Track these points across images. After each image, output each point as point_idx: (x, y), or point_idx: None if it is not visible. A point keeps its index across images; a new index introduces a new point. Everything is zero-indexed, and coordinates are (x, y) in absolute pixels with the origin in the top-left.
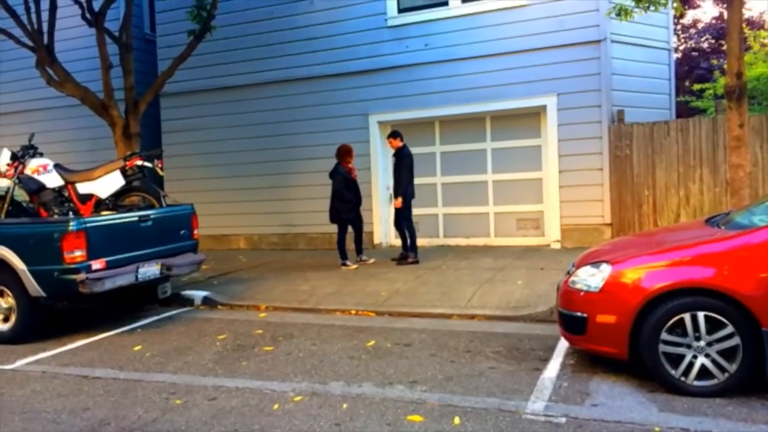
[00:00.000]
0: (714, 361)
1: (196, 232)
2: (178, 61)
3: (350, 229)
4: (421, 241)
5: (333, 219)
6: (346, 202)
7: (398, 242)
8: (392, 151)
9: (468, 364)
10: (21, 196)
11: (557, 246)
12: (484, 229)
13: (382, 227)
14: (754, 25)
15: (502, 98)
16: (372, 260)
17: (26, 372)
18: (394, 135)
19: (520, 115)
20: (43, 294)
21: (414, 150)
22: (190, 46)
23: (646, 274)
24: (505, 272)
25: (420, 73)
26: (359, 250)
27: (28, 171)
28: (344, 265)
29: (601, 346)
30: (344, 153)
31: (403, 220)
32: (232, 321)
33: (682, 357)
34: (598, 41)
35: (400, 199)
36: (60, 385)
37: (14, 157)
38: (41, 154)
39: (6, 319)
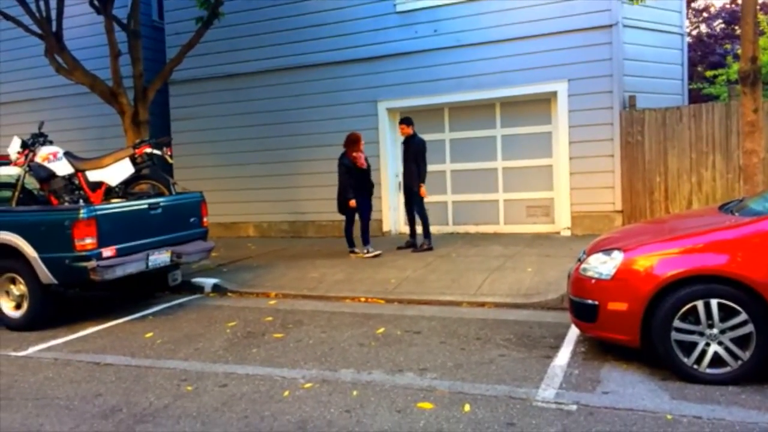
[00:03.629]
0: (727, 349)
1: (205, 219)
2: (187, 49)
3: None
4: (431, 229)
5: (339, 209)
6: (348, 201)
7: (407, 230)
8: (401, 138)
9: (478, 352)
10: (31, 183)
11: (567, 233)
12: (494, 216)
13: (391, 215)
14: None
15: (512, 84)
16: (378, 252)
17: (38, 359)
18: (406, 122)
19: (531, 101)
20: (54, 281)
21: (423, 137)
22: (198, 34)
23: (658, 261)
24: (515, 259)
25: (429, 60)
26: (365, 241)
27: (38, 159)
28: (352, 252)
29: (613, 333)
30: (351, 142)
31: (417, 206)
32: (242, 308)
33: (694, 345)
34: (610, 26)
35: (424, 187)
36: (72, 372)
37: (24, 145)
38: (51, 142)
39: (18, 306)
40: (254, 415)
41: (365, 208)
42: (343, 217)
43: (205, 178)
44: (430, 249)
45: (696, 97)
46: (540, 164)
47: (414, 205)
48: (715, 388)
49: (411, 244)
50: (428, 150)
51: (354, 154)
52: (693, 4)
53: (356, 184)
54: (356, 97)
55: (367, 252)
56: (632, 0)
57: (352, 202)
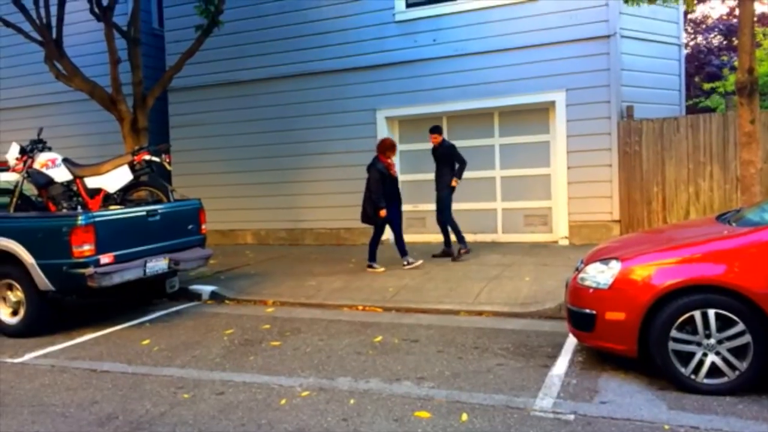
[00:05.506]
0: (724, 359)
1: (203, 226)
2: (186, 56)
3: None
4: (428, 237)
5: (363, 218)
6: (381, 200)
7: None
8: (400, 147)
9: (476, 361)
10: (30, 190)
11: (565, 243)
12: (492, 225)
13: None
14: (765, 21)
15: (510, 93)
16: (419, 262)
17: (35, 365)
18: (438, 131)
19: (529, 110)
20: (51, 288)
21: (422, 146)
22: (198, 41)
23: (656, 271)
24: (512, 268)
25: (428, 69)
26: (403, 252)
27: (36, 165)
28: (370, 267)
29: (610, 343)
30: (386, 147)
31: (445, 213)
32: (240, 316)
33: (692, 355)
34: (608, 36)
35: (455, 180)
36: (68, 379)
37: (23, 151)
38: (50, 149)
39: (15, 313)
40: (251, 423)
41: (397, 217)
42: (342, 225)
43: (204, 185)
44: (467, 252)
45: (694, 112)
46: (538, 173)
47: (442, 212)
48: (713, 399)
49: (447, 252)
50: (427, 160)
51: (388, 160)
52: (690, 16)
53: (387, 192)
54: (355, 105)
55: (407, 263)
56: (628, 2)
57: (383, 212)
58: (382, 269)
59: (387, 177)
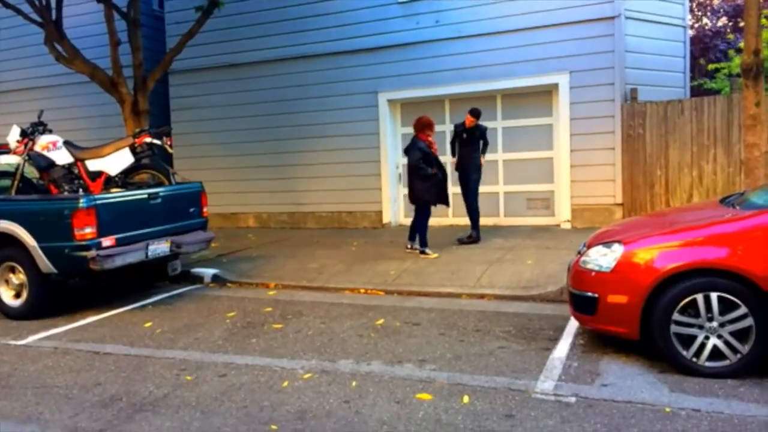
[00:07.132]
0: (726, 342)
1: (205, 209)
2: (187, 38)
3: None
4: (430, 221)
5: (412, 200)
6: (427, 179)
7: (407, 221)
8: (402, 129)
9: (477, 344)
10: (31, 173)
11: (567, 226)
12: (494, 208)
13: (391, 206)
14: None
15: (513, 76)
16: (434, 255)
17: (38, 347)
18: (478, 114)
19: (532, 93)
20: (54, 270)
21: None
22: (198, 23)
23: (658, 254)
24: (514, 252)
25: (430, 51)
26: (412, 236)
27: (37, 148)
28: (423, 253)
29: (612, 326)
30: (424, 126)
31: (471, 196)
32: (242, 298)
33: (694, 338)
34: (612, 18)
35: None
36: (71, 361)
37: (24, 134)
38: (51, 131)
39: (18, 295)
40: (253, 405)
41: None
42: (343, 208)
43: (205, 168)
44: (475, 241)
45: (697, 94)
46: (541, 156)
47: (468, 194)
48: (714, 381)
49: (476, 236)
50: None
51: (429, 138)
52: None
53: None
54: (357, 87)
55: (410, 247)
56: None
57: (433, 170)
58: (435, 255)
59: (430, 156)
